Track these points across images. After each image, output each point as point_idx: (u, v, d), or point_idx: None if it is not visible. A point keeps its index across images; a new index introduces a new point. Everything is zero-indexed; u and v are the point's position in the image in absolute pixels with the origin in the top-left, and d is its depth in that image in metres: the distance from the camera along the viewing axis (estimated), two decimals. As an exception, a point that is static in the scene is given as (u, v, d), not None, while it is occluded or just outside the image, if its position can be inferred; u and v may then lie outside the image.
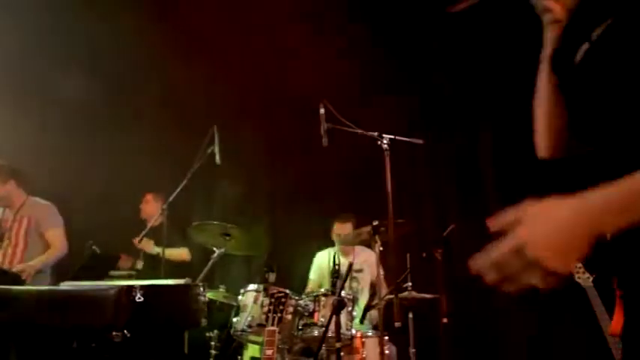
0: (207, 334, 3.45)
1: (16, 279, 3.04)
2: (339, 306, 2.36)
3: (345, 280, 2.48)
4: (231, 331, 3.00)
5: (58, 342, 2.12)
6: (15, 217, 3.83)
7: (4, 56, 4.37)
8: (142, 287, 2.24)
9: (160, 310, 2.36)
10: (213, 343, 3.44)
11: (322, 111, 2.93)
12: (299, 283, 3.91)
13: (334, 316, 2.41)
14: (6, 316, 2.05)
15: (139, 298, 2.23)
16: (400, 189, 2.97)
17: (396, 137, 2.74)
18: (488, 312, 3.99)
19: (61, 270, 3.98)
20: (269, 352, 2.23)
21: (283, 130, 4.59)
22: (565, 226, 0.65)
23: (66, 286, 2.48)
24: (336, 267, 2.78)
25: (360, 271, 3.75)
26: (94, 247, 4.10)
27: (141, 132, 4.52)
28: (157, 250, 4.00)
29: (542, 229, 0.65)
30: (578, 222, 0.65)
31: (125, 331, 2.14)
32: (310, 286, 3.88)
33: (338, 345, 2.36)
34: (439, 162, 4.35)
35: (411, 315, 3.02)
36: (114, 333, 2.11)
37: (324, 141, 2.89)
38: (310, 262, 4.03)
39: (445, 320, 2.79)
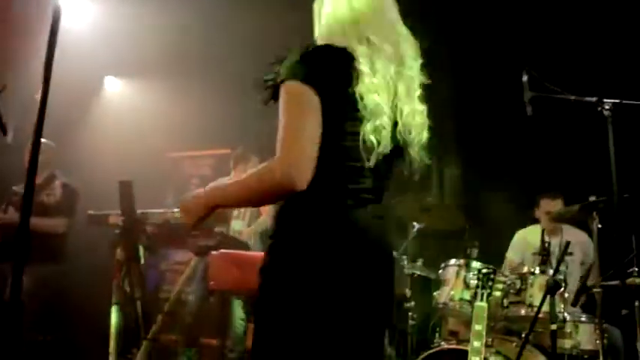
0: (406, 305, 3.58)
1: (246, 247, 3.58)
2: (554, 286, 2.23)
3: (561, 260, 2.32)
4: (432, 304, 3.06)
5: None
6: None
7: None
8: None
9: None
10: (410, 313, 3.56)
11: (525, 78, 2.75)
12: (494, 261, 3.77)
13: (548, 297, 2.28)
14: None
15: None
16: (619, 161, 2.63)
17: (622, 101, 2.41)
18: None
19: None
20: (478, 327, 2.23)
21: (479, 101, 4.41)
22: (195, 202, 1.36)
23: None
24: (546, 244, 2.61)
25: (569, 253, 3.45)
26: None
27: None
28: None
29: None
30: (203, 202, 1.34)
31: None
32: (507, 264, 3.71)
33: (553, 327, 2.23)
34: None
35: (637, 303, 2.68)
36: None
37: (528, 110, 2.71)
38: (504, 238, 3.84)
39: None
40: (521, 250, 3.66)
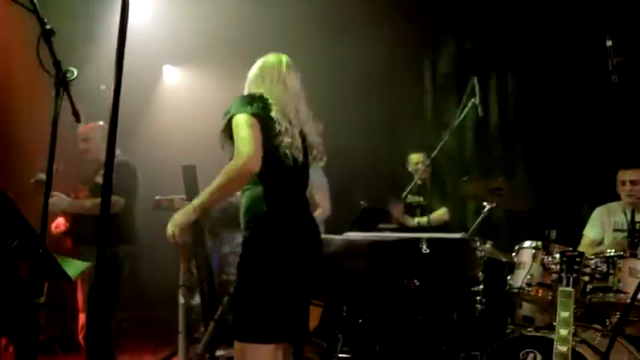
0: (473, 289, 3.42)
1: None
2: (652, 270, 2.03)
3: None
4: (506, 289, 2.91)
5: (360, 285, 2.39)
6: None
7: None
8: (428, 240, 2.34)
9: (443, 262, 2.44)
10: (478, 297, 3.40)
11: (609, 43, 2.53)
12: (570, 242, 3.54)
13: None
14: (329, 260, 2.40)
15: (425, 250, 2.33)
16: None
17: None
18: None
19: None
20: (565, 314, 2.08)
21: (557, 72, 4.12)
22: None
23: (355, 236, 2.75)
24: (638, 224, 2.39)
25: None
26: (362, 202, 4.48)
27: (403, 89, 4.64)
28: (417, 220, 4.11)
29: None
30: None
31: (415, 280, 2.27)
32: (585, 242, 3.46)
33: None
34: None
35: None
36: (405, 281, 2.27)
37: (614, 78, 2.50)
38: (582, 217, 3.59)
39: None
40: (602, 227, 3.39)
